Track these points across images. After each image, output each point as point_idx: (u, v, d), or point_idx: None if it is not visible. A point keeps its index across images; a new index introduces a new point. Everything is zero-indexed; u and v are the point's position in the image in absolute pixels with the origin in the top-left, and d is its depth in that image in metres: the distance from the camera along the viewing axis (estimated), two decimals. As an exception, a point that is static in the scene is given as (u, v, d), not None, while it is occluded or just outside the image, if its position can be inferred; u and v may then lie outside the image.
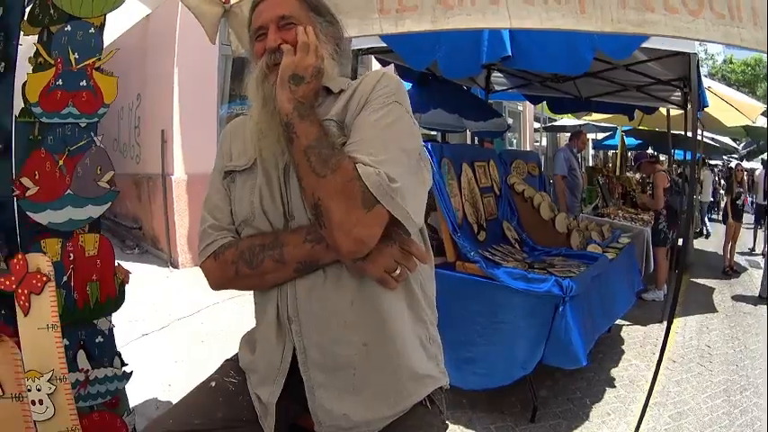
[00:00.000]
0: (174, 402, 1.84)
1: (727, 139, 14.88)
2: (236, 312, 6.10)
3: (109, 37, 2.95)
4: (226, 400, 1.73)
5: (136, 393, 3.33)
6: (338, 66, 1.78)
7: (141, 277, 7.84)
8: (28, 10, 2.37)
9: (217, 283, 1.72)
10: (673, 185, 7.87)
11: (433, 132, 12.18)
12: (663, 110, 7.84)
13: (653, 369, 3.70)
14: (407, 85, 7.17)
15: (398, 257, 1.56)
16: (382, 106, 1.58)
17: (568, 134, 11.30)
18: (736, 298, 7.92)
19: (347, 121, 1.63)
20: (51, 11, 2.34)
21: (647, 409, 3.68)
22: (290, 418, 1.77)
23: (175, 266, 8.15)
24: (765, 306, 7.33)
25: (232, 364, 1.86)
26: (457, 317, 3.93)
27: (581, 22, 2.61)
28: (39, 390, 2.06)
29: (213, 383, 1.79)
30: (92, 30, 2.36)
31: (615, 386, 4.57)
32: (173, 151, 8.45)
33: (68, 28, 2.32)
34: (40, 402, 2.06)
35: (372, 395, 1.63)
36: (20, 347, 2.05)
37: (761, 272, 8.63)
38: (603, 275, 4.52)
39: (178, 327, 6.15)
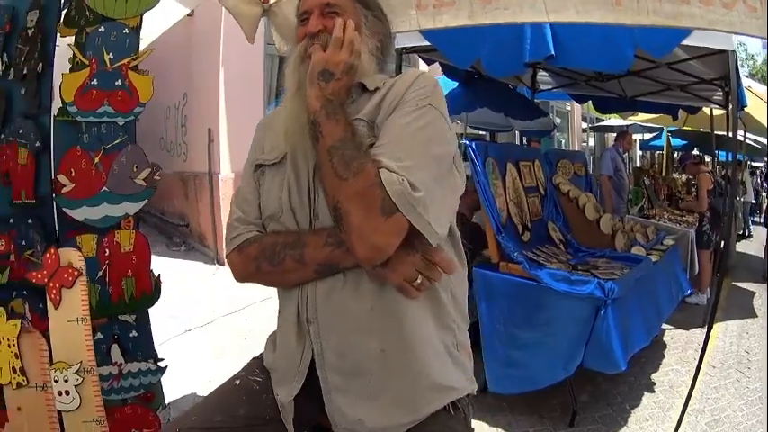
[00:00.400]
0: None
1: (768, 141, 14.47)
2: (280, 310, 6.12)
3: (149, 37, 3.02)
4: (249, 399, 1.71)
5: (175, 388, 3.39)
6: (378, 63, 1.73)
7: (187, 274, 8.02)
8: (64, 12, 2.43)
9: (240, 276, 1.71)
10: (716, 187, 7.62)
11: (482, 132, 12.10)
12: (707, 110, 7.64)
13: (693, 374, 3.59)
14: (453, 84, 7.14)
15: (420, 267, 1.50)
16: (415, 109, 1.53)
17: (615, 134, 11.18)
18: (777, 302, 7.67)
19: (378, 122, 1.57)
20: (87, 13, 2.38)
21: (685, 416, 3.56)
22: (311, 417, 1.73)
23: (221, 264, 8.22)
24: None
25: (258, 363, 1.84)
26: (500, 318, 3.87)
27: (617, 14, 2.54)
28: (66, 381, 2.08)
29: (238, 381, 1.78)
30: (126, 30, 2.38)
31: (655, 391, 4.45)
32: (219, 150, 8.58)
33: (102, 29, 2.35)
34: (67, 393, 2.09)
35: (389, 402, 1.57)
36: (49, 339, 2.13)
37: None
38: (647, 278, 4.40)
39: (221, 323, 6.21)
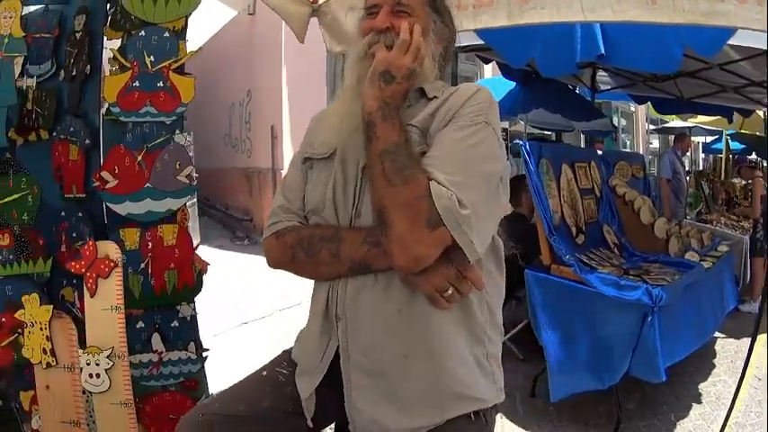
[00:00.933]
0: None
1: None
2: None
3: (201, 38, 3.14)
4: (273, 390, 1.71)
5: (225, 379, 3.50)
6: (440, 69, 1.70)
7: (249, 267, 8.19)
8: (110, 16, 2.53)
9: (273, 262, 1.71)
10: (768, 192, 7.29)
11: (547, 132, 11.99)
12: (761, 113, 7.43)
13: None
14: (510, 84, 7.07)
15: (452, 279, 1.47)
16: (470, 125, 1.51)
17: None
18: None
19: (431, 131, 1.55)
20: (132, 17, 2.46)
21: (726, 430, 3.40)
22: (332, 414, 1.72)
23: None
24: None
25: (286, 356, 1.84)
26: (552, 321, 3.82)
27: (653, 13, 2.46)
28: (98, 364, 2.19)
29: (264, 373, 1.79)
30: (167, 34, 2.46)
31: (702, 402, 4.26)
32: (282, 146, 8.76)
33: (143, 33, 2.44)
34: (98, 376, 2.20)
35: (408, 406, 1.55)
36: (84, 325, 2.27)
37: None
38: (697, 285, 4.22)
39: (278, 317, 6.30)
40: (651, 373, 3.51)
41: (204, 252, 2.81)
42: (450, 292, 1.48)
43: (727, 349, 5.50)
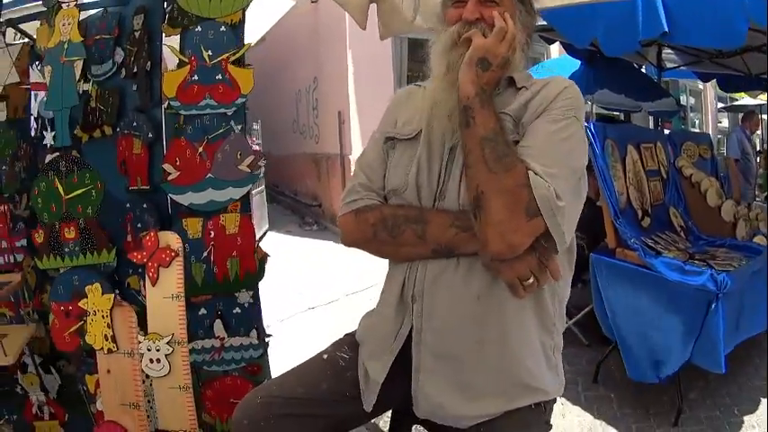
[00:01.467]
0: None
1: None
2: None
3: (263, 28, 3.19)
4: (334, 374, 1.72)
5: (290, 364, 3.57)
6: (525, 58, 1.66)
7: (317, 253, 8.26)
8: (168, 14, 2.54)
9: (350, 239, 1.70)
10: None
11: (615, 112, 11.72)
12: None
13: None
14: (575, 65, 6.92)
15: (534, 268, 1.49)
16: (562, 118, 1.53)
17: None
18: None
19: (524, 121, 1.57)
20: (188, 13, 2.47)
21: None
22: (392, 400, 1.71)
23: (353, 244, 8.46)
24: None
25: (348, 339, 1.83)
26: (614, 306, 3.77)
27: None
28: (158, 350, 2.25)
29: (325, 356, 1.80)
30: (223, 28, 2.46)
31: (766, 396, 3.99)
32: (350, 132, 8.82)
33: (199, 29, 2.45)
34: (158, 361, 2.25)
35: (474, 393, 1.54)
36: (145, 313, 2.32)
37: None
38: (764, 271, 3.98)
39: (345, 302, 6.29)
40: (712, 362, 3.38)
41: (273, 238, 2.86)
42: (530, 281, 1.50)
43: (795, 339, 5.21)
